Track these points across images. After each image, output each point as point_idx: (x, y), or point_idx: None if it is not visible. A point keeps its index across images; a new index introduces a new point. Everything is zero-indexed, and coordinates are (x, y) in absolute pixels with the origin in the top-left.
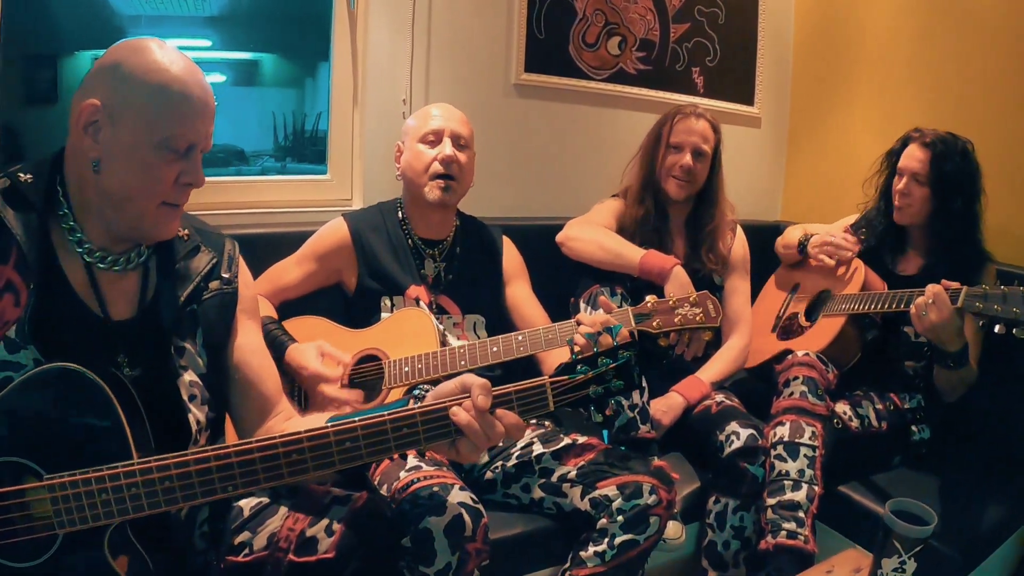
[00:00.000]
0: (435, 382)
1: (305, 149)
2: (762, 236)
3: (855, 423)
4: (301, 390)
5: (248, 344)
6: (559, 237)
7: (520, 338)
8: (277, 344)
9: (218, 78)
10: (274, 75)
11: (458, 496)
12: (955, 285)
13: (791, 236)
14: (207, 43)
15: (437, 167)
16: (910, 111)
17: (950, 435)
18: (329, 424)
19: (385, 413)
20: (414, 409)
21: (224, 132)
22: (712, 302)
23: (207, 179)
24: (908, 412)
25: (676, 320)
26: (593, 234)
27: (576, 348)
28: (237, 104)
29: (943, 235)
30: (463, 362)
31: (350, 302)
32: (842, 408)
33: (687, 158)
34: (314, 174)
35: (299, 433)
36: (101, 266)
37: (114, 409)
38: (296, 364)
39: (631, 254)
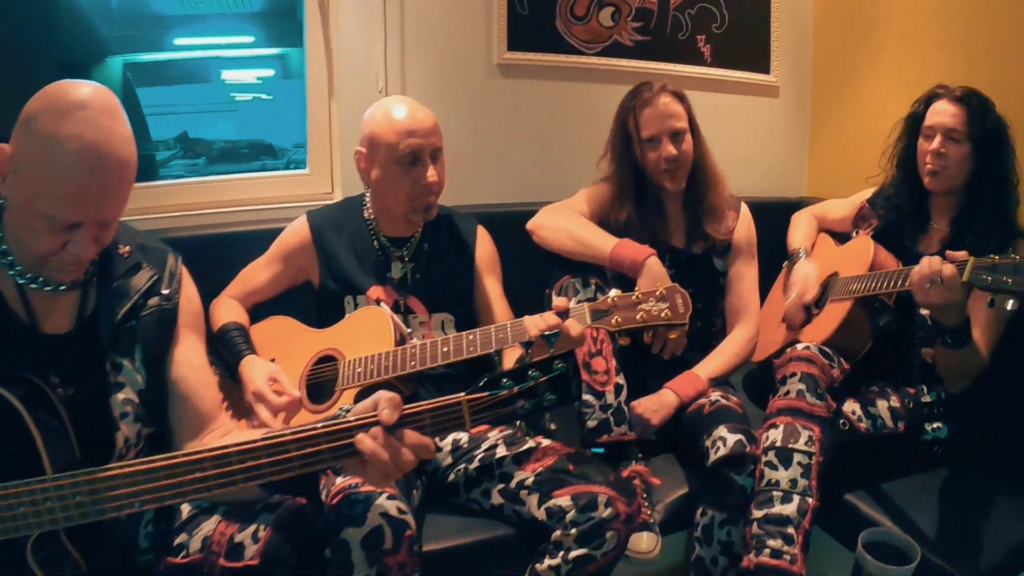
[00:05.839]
0: (388, 383)
1: None
2: (787, 214)
3: (864, 424)
4: None
5: (187, 360)
6: (529, 224)
7: (471, 337)
8: (235, 351)
9: (267, 72)
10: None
11: (382, 506)
12: (962, 255)
13: (794, 237)
14: (250, 39)
15: (421, 193)
16: (941, 71)
17: (974, 434)
18: (231, 445)
19: (288, 432)
20: (318, 428)
21: (260, 126)
22: (682, 296)
23: (193, 179)
24: (926, 407)
25: (638, 317)
26: (564, 222)
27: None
28: (274, 96)
29: (976, 203)
30: (413, 362)
31: (318, 302)
32: (851, 407)
33: (669, 148)
34: None
35: (201, 452)
36: (33, 286)
37: (26, 427)
38: (246, 377)
39: (602, 244)
